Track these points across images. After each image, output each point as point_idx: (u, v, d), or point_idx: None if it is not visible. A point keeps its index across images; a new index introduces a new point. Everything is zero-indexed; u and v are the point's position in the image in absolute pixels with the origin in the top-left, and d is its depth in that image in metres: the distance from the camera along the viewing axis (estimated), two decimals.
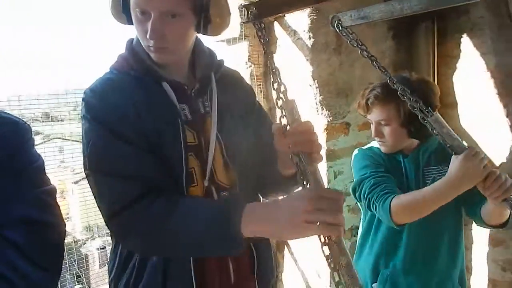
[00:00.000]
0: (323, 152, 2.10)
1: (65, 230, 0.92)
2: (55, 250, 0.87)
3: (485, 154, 1.21)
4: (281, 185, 1.11)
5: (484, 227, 1.40)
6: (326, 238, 0.80)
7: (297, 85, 2.17)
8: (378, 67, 1.34)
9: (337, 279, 0.79)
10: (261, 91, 2.34)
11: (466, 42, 2.22)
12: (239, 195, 1.04)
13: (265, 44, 1.01)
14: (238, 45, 2.34)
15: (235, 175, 1.05)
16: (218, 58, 1.13)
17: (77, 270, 2.97)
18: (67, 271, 2.43)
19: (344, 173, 2.08)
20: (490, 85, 2.08)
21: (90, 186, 0.96)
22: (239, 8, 2.23)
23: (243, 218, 0.82)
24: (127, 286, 1.01)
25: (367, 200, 1.39)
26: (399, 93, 1.26)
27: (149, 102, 0.97)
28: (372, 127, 1.47)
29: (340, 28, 1.43)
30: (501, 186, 1.16)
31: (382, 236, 1.47)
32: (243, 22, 1.11)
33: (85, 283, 3.85)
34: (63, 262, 0.93)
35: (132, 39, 1.06)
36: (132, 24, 0.99)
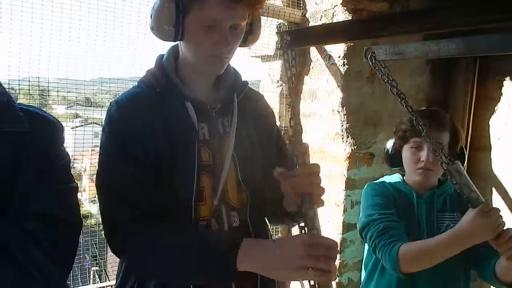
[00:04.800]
0: (343, 180, 2.07)
1: (81, 228, 0.95)
2: (69, 246, 0.90)
3: (499, 211, 1.17)
4: (284, 219, 1.12)
5: (494, 285, 1.33)
6: (316, 283, 0.84)
7: (325, 110, 2.15)
8: (405, 106, 1.32)
9: None
10: (289, 111, 2.33)
11: (507, 85, 2.15)
12: (246, 224, 1.05)
13: (291, 75, 1.03)
14: (272, 63, 2.35)
15: (246, 197, 1.06)
16: (243, 79, 1.14)
17: (96, 252, 3.07)
18: (87, 251, 2.50)
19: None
20: None
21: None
22: (277, 27, 2.25)
23: (239, 255, 0.85)
24: None
25: (373, 244, 1.36)
26: (423, 135, 1.24)
27: (169, 120, 1.00)
28: (422, 154, 1.38)
29: (374, 61, 1.41)
30: None
31: (389, 278, 1.42)
32: (277, 48, 1.12)
33: (102, 266, 3.97)
34: (86, 241, 0.97)
35: (162, 55, 1.08)
36: (176, 40, 0.99)
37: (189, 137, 1.00)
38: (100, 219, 0.99)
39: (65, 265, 0.89)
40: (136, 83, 1.08)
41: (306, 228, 0.88)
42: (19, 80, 2.13)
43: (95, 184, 0.99)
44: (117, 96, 1.05)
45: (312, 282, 0.83)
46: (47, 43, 1.74)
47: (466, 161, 1.67)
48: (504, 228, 1.15)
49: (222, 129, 1.06)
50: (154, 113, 0.99)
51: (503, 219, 1.16)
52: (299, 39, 1.17)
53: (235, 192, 1.05)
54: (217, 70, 1.04)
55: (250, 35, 1.05)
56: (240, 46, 1.05)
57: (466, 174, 1.18)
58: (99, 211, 0.98)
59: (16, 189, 0.85)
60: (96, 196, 0.99)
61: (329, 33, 1.21)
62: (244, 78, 1.15)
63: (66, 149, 0.99)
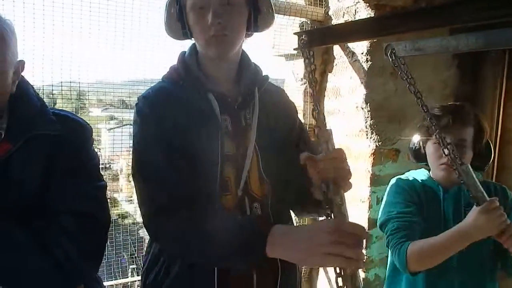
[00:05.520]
0: (367, 176, 2.08)
1: (109, 223, 1.02)
2: (98, 240, 0.97)
3: (502, 209, 1.21)
4: (311, 208, 1.13)
5: None
6: (342, 271, 0.82)
7: (349, 106, 2.16)
8: (421, 105, 1.32)
9: None
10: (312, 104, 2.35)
11: None
12: (268, 215, 1.07)
13: (310, 73, 1.05)
14: (296, 62, 2.38)
15: (269, 188, 1.08)
16: (263, 74, 1.17)
17: (134, 251, 3.17)
18: (126, 250, 2.60)
19: None
20: None
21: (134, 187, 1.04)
22: (299, 26, 2.28)
23: (268, 240, 0.85)
24: (155, 280, 1.07)
25: (387, 241, 1.39)
26: (435, 135, 1.28)
27: (193, 111, 1.04)
28: (445, 149, 1.33)
29: (394, 58, 1.42)
30: None
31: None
32: (294, 49, 1.15)
33: (139, 264, 4.12)
34: (124, 241, 1.03)
35: (185, 51, 1.14)
36: (185, 36, 1.08)
37: (212, 127, 1.04)
38: (138, 206, 1.02)
39: (94, 257, 0.95)
40: (160, 79, 1.14)
41: (332, 214, 0.87)
42: (55, 84, 2.24)
43: (132, 174, 1.04)
44: (144, 92, 1.10)
45: (338, 270, 0.82)
46: (84, 48, 1.84)
47: (495, 155, 1.64)
48: (508, 224, 1.18)
49: (244, 121, 1.10)
50: (179, 105, 1.04)
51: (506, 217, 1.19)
52: (316, 39, 1.20)
53: (257, 184, 1.08)
54: (222, 51, 1.05)
55: (259, 16, 1.08)
56: (254, 31, 1.10)
57: (474, 176, 1.23)
58: (137, 199, 1.02)
59: (50, 188, 0.93)
60: (134, 185, 1.03)
61: (347, 32, 1.23)
62: (264, 73, 1.18)
63: (96, 150, 1.06)
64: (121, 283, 2.13)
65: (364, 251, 0.83)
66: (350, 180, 0.92)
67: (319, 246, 0.81)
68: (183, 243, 0.96)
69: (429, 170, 1.50)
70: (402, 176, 1.54)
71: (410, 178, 1.50)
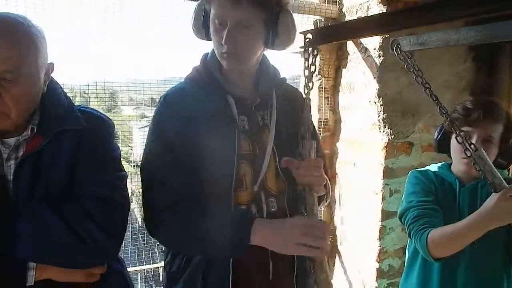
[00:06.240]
0: (380, 169, 2.12)
1: (129, 209, 1.12)
2: (119, 223, 1.07)
3: None
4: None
5: None
6: (311, 258, 1.04)
7: (362, 101, 2.21)
8: (430, 95, 1.36)
9: None
10: (328, 103, 2.42)
11: None
12: (284, 209, 1.15)
13: (310, 75, 1.14)
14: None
15: (284, 185, 1.15)
16: (281, 76, 1.23)
17: None
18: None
19: (401, 193, 2.07)
20: None
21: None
22: (314, 24, 2.34)
23: (251, 231, 1.00)
24: (178, 269, 1.14)
25: (408, 230, 1.40)
26: (447, 123, 1.29)
27: (212, 112, 1.10)
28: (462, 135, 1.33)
29: (399, 52, 1.46)
30: None
31: (429, 266, 1.45)
32: (300, 47, 1.20)
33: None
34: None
35: (207, 53, 1.19)
36: (209, 39, 1.12)
37: (230, 127, 1.10)
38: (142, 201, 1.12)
39: (115, 238, 1.05)
40: (183, 79, 1.20)
41: (306, 212, 1.05)
42: (90, 84, 2.37)
43: (140, 169, 1.13)
44: (166, 91, 1.18)
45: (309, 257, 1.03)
46: (117, 49, 1.97)
47: None
48: None
49: (261, 122, 1.16)
50: (197, 106, 1.10)
51: None
52: (321, 37, 1.26)
53: (273, 180, 1.14)
54: (232, 66, 1.10)
55: (276, 38, 1.10)
56: (269, 48, 1.13)
57: (490, 162, 1.21)
58: (142, 194, 1.11)
59: (76, 176, 1.04)
60: (140, 180, 1.12)
61: (351, 29, 1.28)
62: (282, 75, 1.23)
63: (117, 144, 1.17)
64: (151, 268, 2.26)
65: (328, 243, 1.03)
66: (322, 186, 1.10)
67: (292, 237, 0.99)
68: (176, 240, 1.10)
69: (450, 164, 1.51)
70: (420, 169, 1.57)
71: (427, 170, 1.52)
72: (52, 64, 1.06)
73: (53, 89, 1.08)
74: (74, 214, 0.98)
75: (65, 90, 1.14)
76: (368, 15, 2.12)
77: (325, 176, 1.15)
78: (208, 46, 1.18)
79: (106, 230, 1.01)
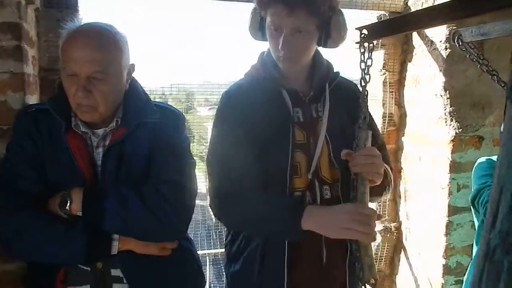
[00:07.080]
0: (447, 163, 2.08)
1: (196, 193, 1.26)
2: (187, 204, 1.21)
3: None
4: (374, 191, 1.22)
5: None
6: (357, 241, 1.08)
7: (428, 94, 2.17)
8: (497, 81, 1.35)
9: (360, 274, 1.07)
10: (393, 98, 2.40)
11: None
12: (338, 197, 1.21)
13: (366, 68, 1.18)
14: (375, 53, 2.43)
15: (338, 174, 1.21)
16: (335, 71, 1.29)
17: None
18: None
19: (469, 188, 2.01)
20: None
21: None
22: (377, 19, 2.34)
23: (303, 216, 1.08)
24: (238, 250, 1.26)
25: (485, 208, 1.39)
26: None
27: (268, 105, 1.20)
28: None
29: (460, 43, 1.46)
30: None
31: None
32: (356, 43, 1.25)
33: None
34: None
35: (264, 51, 1.29)
36: (265, 40, 1.22)
37: (285, 119, 1.18)
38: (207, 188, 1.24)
39: (184, 217, 1.19)
40: (243, 76, 1.30)
41: (356, 200, 1.09)
42: (166, 86, 2.57)
43: (206, 161, 1.25)
44: (228, 87, 1.29)
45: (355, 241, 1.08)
46: (193, 53, 2.13)
47: None
48: None
49: (315, 113, 1.23)
50: (255, 100, 1.20)
51: None
52: (376, 32, 1.29)
53: (327, 169, 1.20)
54: (288, 68, 1.19)
55: (329, 38, 1.17)
56: (322, 46, 1.21)
57: None
58: (207, 182, 1.23)
59: (152, 162, 1.19)
60: (206, 170, 1.24)
61: (405, 21, 1.31)
62: (336, 69, 1.29)
63: (187, 134, 1.31)
64: (219, 252, 2.42)
65: (375, 229, 1.09)
66: (378, 173, 1.10)
67: (340, 222, 1.04)
68: (239, 222, 1.21)
69: None
70: (483, 159, 1.58)
71: (491, 159, 1.54)
72: (133, 65, 1.23)
73: (134, 86, 1.25)
74: (152, 196, 1.13)
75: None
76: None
77: (385, 165, 1.17)
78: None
79: (177, 211, 1.15)
